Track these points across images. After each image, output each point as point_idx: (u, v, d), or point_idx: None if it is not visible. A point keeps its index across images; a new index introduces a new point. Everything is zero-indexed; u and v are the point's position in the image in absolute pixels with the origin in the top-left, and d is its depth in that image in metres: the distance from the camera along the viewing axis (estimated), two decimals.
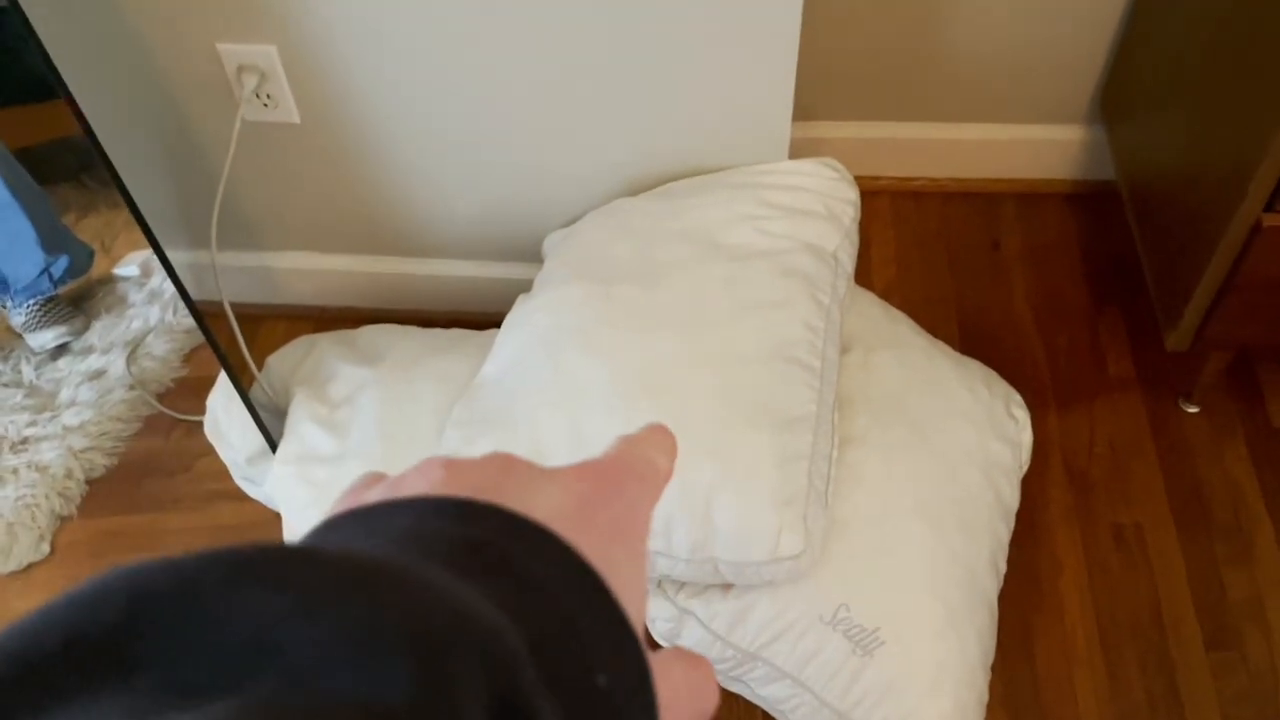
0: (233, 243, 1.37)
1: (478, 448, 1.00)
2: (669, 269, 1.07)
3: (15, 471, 1.40)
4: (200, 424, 1.27)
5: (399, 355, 1.21)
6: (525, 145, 1.23)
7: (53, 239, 1.43)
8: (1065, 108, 1.55)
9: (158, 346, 1.54)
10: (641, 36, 1.09)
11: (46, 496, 1.38)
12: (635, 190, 1.23)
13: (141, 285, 1.62)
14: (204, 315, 1.11)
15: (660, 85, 1.14)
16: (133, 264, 1.62)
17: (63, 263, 1.46)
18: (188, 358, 1.53)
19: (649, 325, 1.02)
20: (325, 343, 1.25)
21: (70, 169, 1.44)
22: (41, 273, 1.43)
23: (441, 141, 1.24)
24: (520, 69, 1.14)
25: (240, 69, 1.16)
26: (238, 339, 1.18)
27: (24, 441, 1.44)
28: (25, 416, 1.47)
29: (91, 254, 1.50)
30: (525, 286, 1.17)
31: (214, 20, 1.13)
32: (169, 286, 1.30)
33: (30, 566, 1.34)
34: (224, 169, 1.16)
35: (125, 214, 1.03)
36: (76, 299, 1.52)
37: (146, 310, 1.56)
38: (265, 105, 1.19)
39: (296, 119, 1.21)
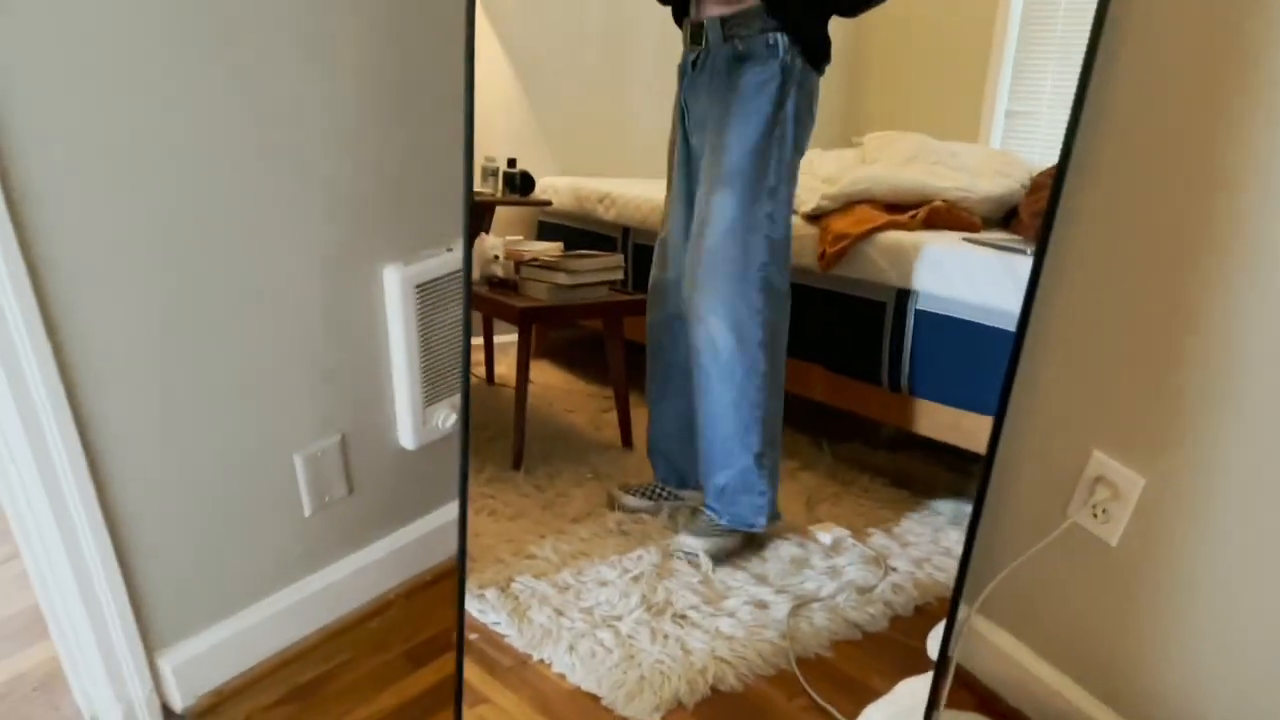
0: (991, 613, 1.40)
1: None
2: None
3: (667, 637, 1.55)
4: None
5: None
6: None
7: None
8: None
9: (818, 616, 1.62)
10: None
11: (679, 676, 1.50)
12: None
13: (827, 556, 1.74)
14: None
15: None
16: (829, 534, 1.76)
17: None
18: (837, 645, 1.58)
19: None
20: None
21: None
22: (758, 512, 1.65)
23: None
24: None
25: (1098, 479, 1.21)
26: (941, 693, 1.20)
27: (684, 617, 1.60)
28: (694, 598, 1.63)
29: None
30: None
31: (1102, 428, 1.20)
32: (851, 572, 1.50)
33: None
34: (1028, 550, 1.20)
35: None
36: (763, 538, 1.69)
37: (820, 579, 1.65)
38: (1095, 517, 1.22)
39: (1114, 543, 1.22)
